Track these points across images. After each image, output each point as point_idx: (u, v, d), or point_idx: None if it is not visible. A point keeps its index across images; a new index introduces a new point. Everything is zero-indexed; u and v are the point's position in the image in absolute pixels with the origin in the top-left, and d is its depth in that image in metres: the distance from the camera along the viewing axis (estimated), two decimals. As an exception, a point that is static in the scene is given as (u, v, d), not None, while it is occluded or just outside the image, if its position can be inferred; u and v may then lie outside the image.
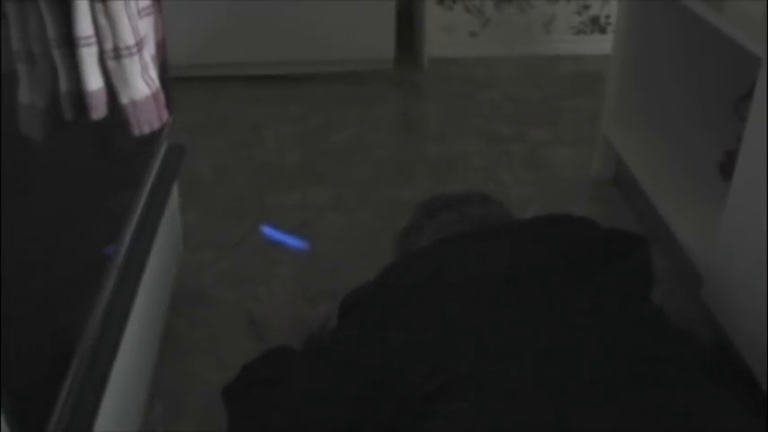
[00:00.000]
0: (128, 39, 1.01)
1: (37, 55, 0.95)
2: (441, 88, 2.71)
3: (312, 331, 1.49)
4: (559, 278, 1.11)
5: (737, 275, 1.37)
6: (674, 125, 1.96)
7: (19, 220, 0.90)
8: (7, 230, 0.85)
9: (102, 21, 0.98)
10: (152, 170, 1.46)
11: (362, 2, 2.59)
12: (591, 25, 2.98)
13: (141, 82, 1.06)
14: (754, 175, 1.31)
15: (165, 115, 1.13)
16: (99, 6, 0.97)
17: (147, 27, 1.13)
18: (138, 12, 1.08)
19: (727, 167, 1.72)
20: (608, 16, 2.96)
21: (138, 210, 1.36)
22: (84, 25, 0.96)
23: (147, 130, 1.10)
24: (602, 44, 2.85)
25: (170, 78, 1.44)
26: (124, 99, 1.05)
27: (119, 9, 0.99)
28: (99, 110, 1.01)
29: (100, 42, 0.99)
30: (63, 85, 0.99)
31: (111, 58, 1.01)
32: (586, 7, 2.95)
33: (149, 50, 1.13)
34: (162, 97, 1.12)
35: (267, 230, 1.85)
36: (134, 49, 1.03)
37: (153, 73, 1.10)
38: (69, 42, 0.97)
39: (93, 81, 0.99)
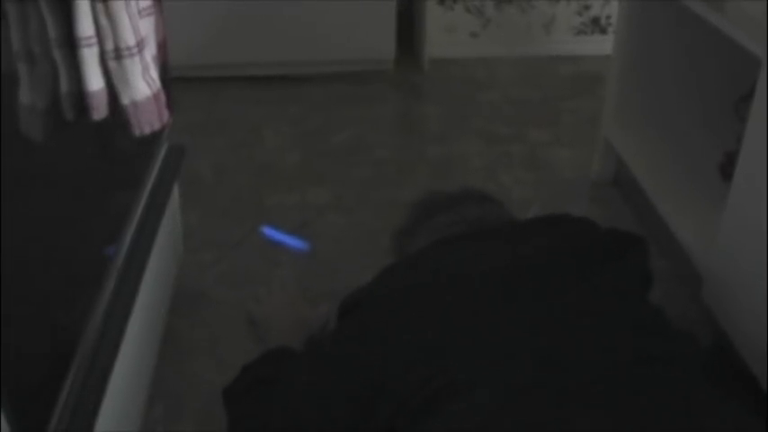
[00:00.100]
0: (129, 39, 1.01)
1: (37, 55, 0.95)
2: (441, 89, 2.71)
3: (312, 332, 1.49)
4: (558, 278, 1.11)
5: (738, 276, 1.37)
6: (674, 126, 1.96)
7: (19, 220, 0.90)
8: (8, 230, 0.85)
9: (103, 21, 0.98)
10: (152, 170, 1.46)
11: (363, 2, 2.59)
12: (591, 26, 2.98)
13: (142, 82, 1.06)
14: (755, 176, 1.31)
15: (166, 116, 1.13)
16: (100, 7, 0.97)
17: (147, 27, 1.13)
18: (139, 12, 1.08)
19: (727, 168, 1.72)
20: (608, 17, 2.96)
21: (139, 210, 1.36)
22: (85, 25, 0.96)
23: (147, 130, 1.10)
24: (603, 45, 2.85)
25: (171, 79, 1.44)
26: (125, 99, 1.05)
27: (120, 9, 0.99)
28: (100, 110, 1.01)
29: (101, 43, 0.99)
30: (64, 85, 0.99)
31: (111, 58, 1.01)
32: (587, 8, 2.95)
33: (150, 51, 1.13)
34: (163, 98, 1.12)
35: (267, 231, 1.85)
36: (135, 50, 1.03)
37: (154, 73, 1.10)
38: (70, 43, 0.97)
39: (94, 81, 0.99)
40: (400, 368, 1.01)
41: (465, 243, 1.22)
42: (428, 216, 1.37)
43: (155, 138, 1.41)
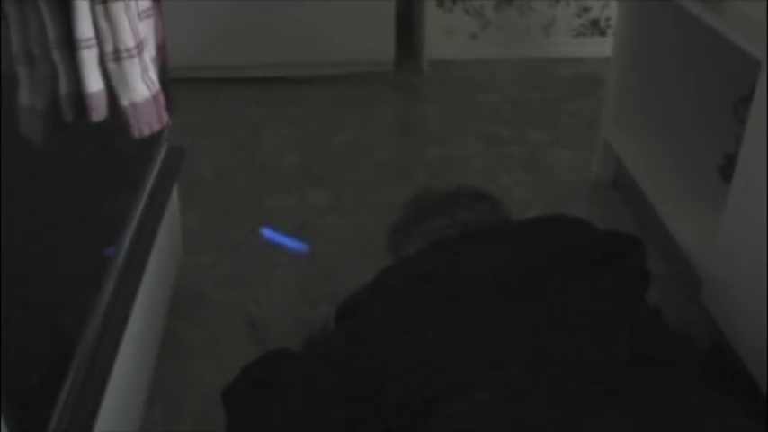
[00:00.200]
0: (128, 41, 1.01)
1: (37, 57, 0.95)
2: (440, 90, 2.71)
3: (312, 333, 1.49)
4: (556, 279, 1.11)
5: (737, 278, 1.37)
6: (673, 128, 1.97)
7: (19, 220, 0.90)
8: (7, 231, 0.85)
9: (103, 23, 0.98)
10: (152, 172, 1.46)
11: (362, 4, 2.59)
12: (591, 28, 2.98)
13: (141, 84, 1.06)
14: (754, 178, 1.31)
15: (165, 117, 1.13)
16: (99, 9, 0.97)
17: (147, 29, 1.14)
18: (139, 14, 1.08)
19: (726, 170, 1.73)
20: (608, 19, 2.96)
21: (138, 212, 1.36)
22: (84, 27, 0.96)
23: (147, 131, 1.10)
24: (602, 47, 2.85)
25: (170, 80, 1.44)
26: (124, 101, 1.05)
27: (119, 11, 0.99)
28: (99, 112, 1.01)
29: (100, 44, 0.99)
30: (63, 86, 0.99)
31: (111, 60, 1.01)
32: (586, 10, 2.95)
33: (149, 52, 1.13)
34: (162, 99, 1.12)
35: (267, 232, 1.85)
36: (134, 52, 1.03)
37: (153, 75, 1.10)
38: (70, 44, 0.97)
39: (94, 83, 1.00)
40: (400, 369, 1.01)
41: (463, 244, 1.22)
42: (420, 218, 1.36)
43: (154, 139, 1.41)
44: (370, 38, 2.66)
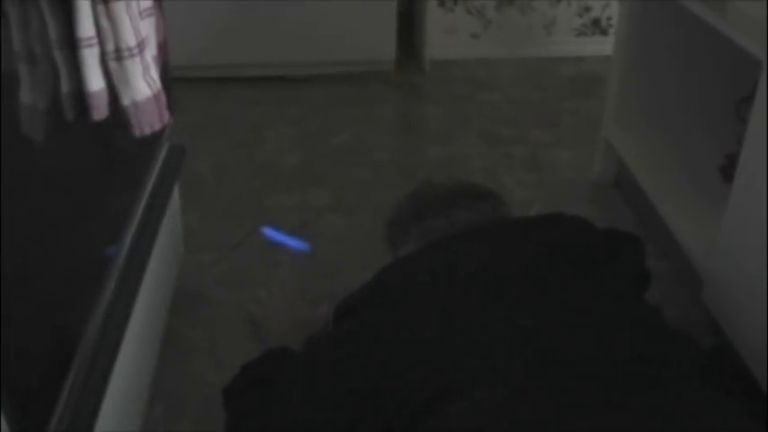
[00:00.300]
0: (129, 40, 1.01)
1: (38, 56, 0.95)
2: (442, 90, 2.71)
3: (312, 332, 1.49)
4: (556, 278, 1.11)
5: (738, 278, 1.37)
6: (675, 127, 1.96)
7: (20, 220, 0.90)
8: (8, 231, 0.85)
9: (104, 22, 0.98)
10: (153, 171, 1.46)
11: (363, 3, 2.59)
12: (592, 27, 2.98)
13: (143, 83, 1.06)
14: (756, 178, 1.31)
15: (167, 116, 1.13)
16: (101, 8, 0.97)
17: (148, 28, 1.13)
18: (140, 13, 1.08)
19: (728, 170, 1.72)
20: (609, 18, 2.96)
21: (139, 211, 1.36)
22: (85, 26, 0.96)
23: (148, 131, 1.10)
24: (604, 46, 2.85)
25: (171, 79, 1.44)
26: (125, 100, 1.05)
27: (120, 10, 0.99)
28: (100, 111, 1.01)
29: (101, 43, 0.99)
30: (64, 85, 0.99)
31: (112, 59, 1.01)
32: (587, 9, 2.95)
33: (151, 51, 1.13)
34: (163, 98, 1.12)
35: (267, 232, 1.85)
36: (135, 51, 1.03)
37: (154, 74, 1.10)
38: (71, 43, 0.97)
39: (95, 82, 0.99)
40: (399, 368, 1.01)
41: (461, 243, 1.22)
42: (420, 216, 1.35)
43: (155, 138, 1.41)
44: (371, 37, 2.66)
